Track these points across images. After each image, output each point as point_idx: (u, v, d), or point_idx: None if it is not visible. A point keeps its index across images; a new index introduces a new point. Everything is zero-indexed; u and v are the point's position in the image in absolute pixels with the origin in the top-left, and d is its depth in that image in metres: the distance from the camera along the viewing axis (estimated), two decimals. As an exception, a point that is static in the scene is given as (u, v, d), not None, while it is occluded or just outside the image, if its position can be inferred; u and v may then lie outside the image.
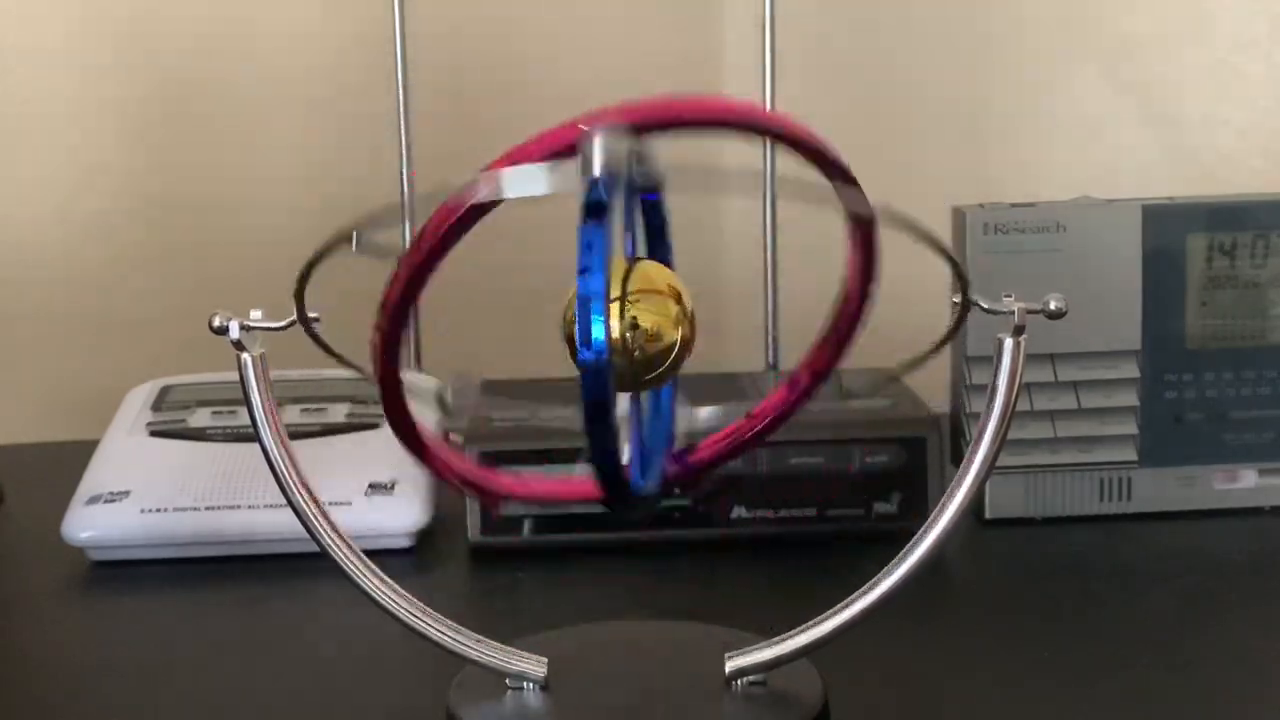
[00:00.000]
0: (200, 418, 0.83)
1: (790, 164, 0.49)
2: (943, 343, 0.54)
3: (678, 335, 0.50)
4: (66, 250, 1.08)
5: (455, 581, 0.74)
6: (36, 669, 0.65)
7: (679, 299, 0.51)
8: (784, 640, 0.54)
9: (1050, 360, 0.78)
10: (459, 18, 1.07)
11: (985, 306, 0.52)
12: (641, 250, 0.54)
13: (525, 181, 0.45)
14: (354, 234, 0.48)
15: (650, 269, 0.51)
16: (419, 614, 0.54)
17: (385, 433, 0.80)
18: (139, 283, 1.09)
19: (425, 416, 0.48)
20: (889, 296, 1.00)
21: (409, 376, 0.48)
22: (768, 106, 0.94)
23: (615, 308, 0.49)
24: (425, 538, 0.77)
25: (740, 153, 1.07)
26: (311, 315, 0.52)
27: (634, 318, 0.50)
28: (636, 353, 0.50)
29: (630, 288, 0.50)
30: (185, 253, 1.09)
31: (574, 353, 0.51)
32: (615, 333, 0.49)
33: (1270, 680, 0.60)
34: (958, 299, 0.52)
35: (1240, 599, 0.69)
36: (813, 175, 0.50)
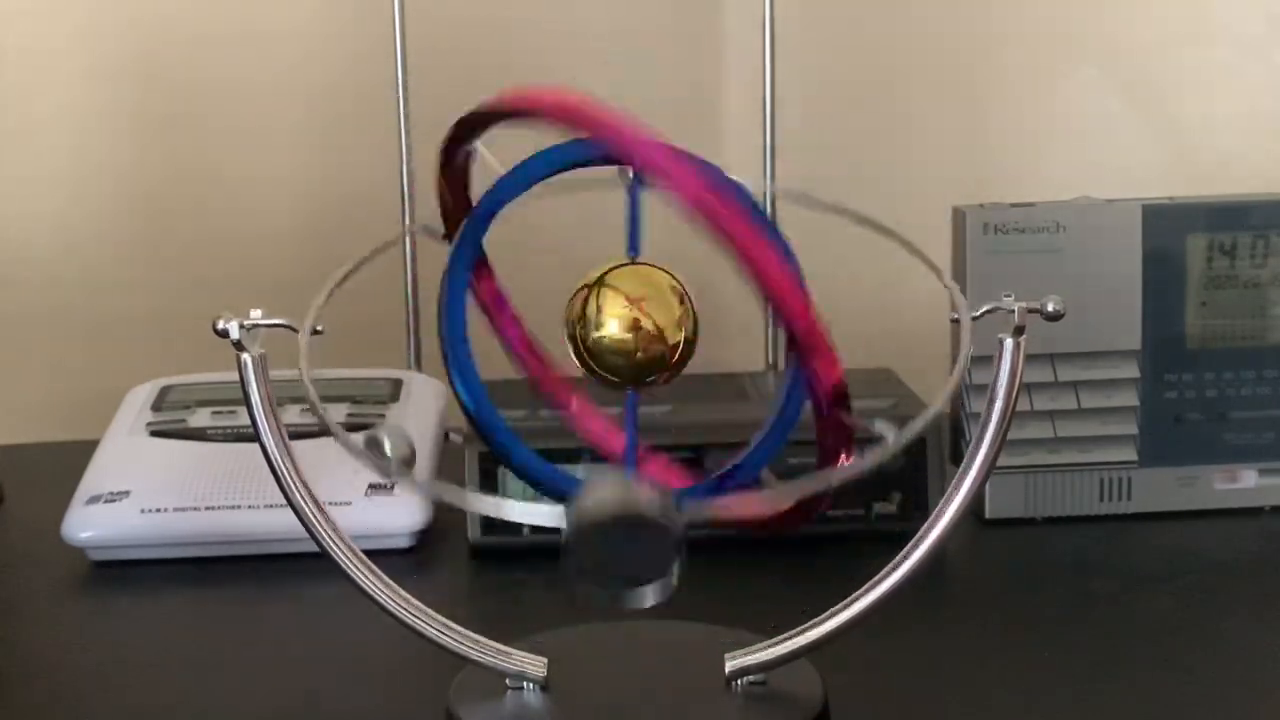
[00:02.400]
0: (200, 418, 0.83)
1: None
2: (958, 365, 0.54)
3: (681, 336, 0.50)
4: (67, 250, 1.08)
5: (455, 581, 0.74)
6: (36, 669, 0.65)
7: (682, 299, 0.51)
8: (784, 640, 0.54)
9: (1050, 360, 0.78)
10: (459, 17, 1.07)
11: (984, 310, 0.52)
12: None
13: None
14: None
15: (652, 270, 0.51)
16: (419, 614, 0.54)
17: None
18: (139, 283, 1.09)
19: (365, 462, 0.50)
20: (888, 296, 1.00)
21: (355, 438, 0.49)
22: (767, 106, 0.94)
23: (621, 308, 0.50)
24: (425, 538, 0.77)
25: (741, 151, 1.07)
26: (317, 329, 0.52)
27: (637, 319, 0.50)
28: (640, 353, 0.50)
29: (633, 289, 0.50)
30: (185, 253, 1.09)
31: (578, 353, 0.51)
32: (620, 333, 0.50)
33: (1270, 680, 0.60)
34: (955, 316, 0.52)
35: (1240, 599, 0.68)
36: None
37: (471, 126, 0.51)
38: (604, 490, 0.45)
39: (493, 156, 0.53)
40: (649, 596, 0.47)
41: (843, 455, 0.52)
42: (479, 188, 0.53)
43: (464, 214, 0.54)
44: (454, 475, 0.76)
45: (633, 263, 0.51)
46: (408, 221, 0.95)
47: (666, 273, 0.51)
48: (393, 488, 0.77)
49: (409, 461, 0.48)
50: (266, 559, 0.74)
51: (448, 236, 0.56)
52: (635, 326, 0.50)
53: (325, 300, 0.52)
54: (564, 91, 0.47)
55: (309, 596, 0.71)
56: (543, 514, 0.46)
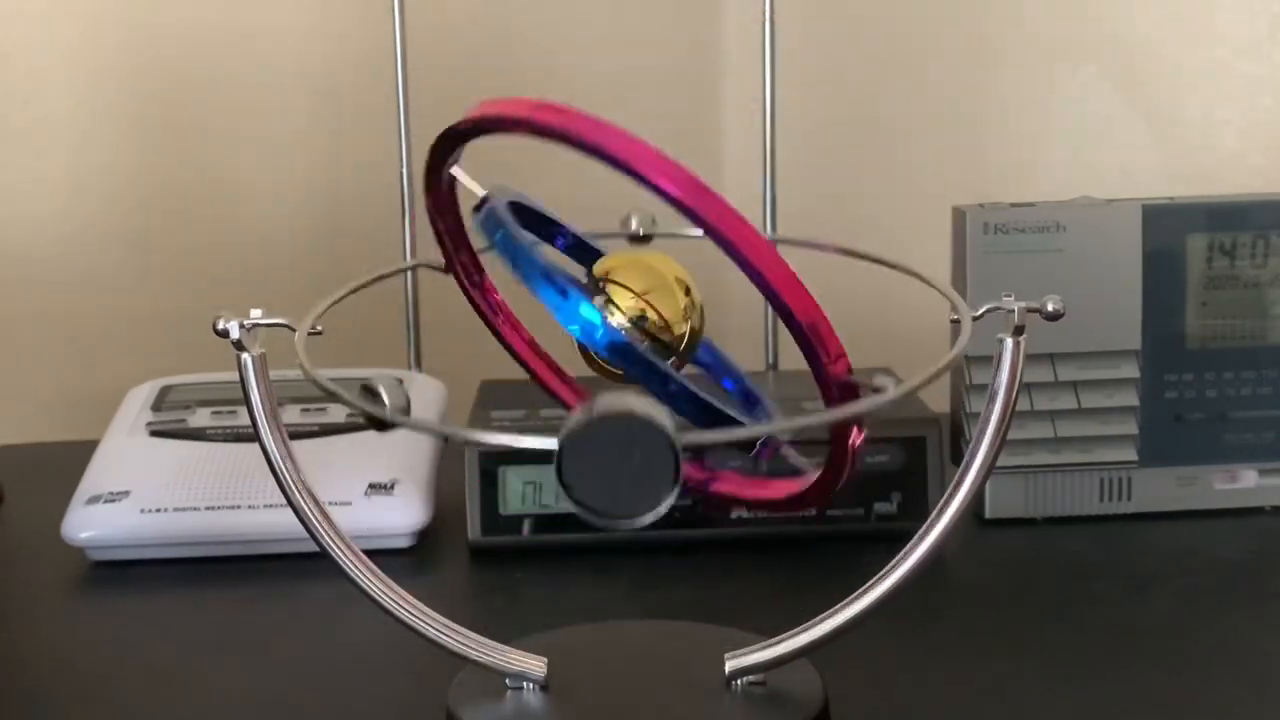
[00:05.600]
0: (200, 418, 0.83)
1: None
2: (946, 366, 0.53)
3: (687, 327, 0.50)
4: (66, 251, 1.08)
5: (455, 581, 0.74)
6: (36, 669, 0.65)
7: (687, 291, 0.51)
8: (784, 640, 0.54)
9: (1050, 360, 0.78)
10: (458, 17, 1.07)
11: (984, 309, 0.52)
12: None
13: None
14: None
15: (658, 261, 0.51)
16: (419, 614, 0.54)
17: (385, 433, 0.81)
18: (139, 282, 1.09)
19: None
20: (887, 296, 1.00)
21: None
22: (767, 106, 0.94)
23: (624, 302, 0.50)
24: (425, 538, 0.77)
25: (740, 182, 1.07)
26: (316, 329, 0.52)
27: (643, 311, 0.50)
28: (645, 345, 0.50)
29: (638, 281, 0.50)
30: (185, 253, 1.09)
31: (585, 355, 0.51)
32: (623, 326, 0.50)
33: (1270, 680, 0.60)
34: (955, 317, 0.52)
35: (1240, 599, 0.69)
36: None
37: (452, 143, 0.51)
38: (600, 398, 0.42)
39: (471, 180, 0.53)
40: (654, 515, 0.44)
41: (854, 431, 0.51)
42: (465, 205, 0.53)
43: (458, 233, 0.54)
44: (454, 475, 0.76)
45: (639, 254, 0.51)
46: (408, 223, 0.95)
47: (672, 264, 0.51)
48: (393, 488, 0.77)
49: (404, 409, 0.47)
50: (266, 559, 0.74)
51: (449, 269, 0.56)
52: (640, 318, 0.50)
53: (321, 314, 0.52)
54: (541, 102, 0.46)
55: (309, 596, 0.71)
56: (546, 441, 0.43)
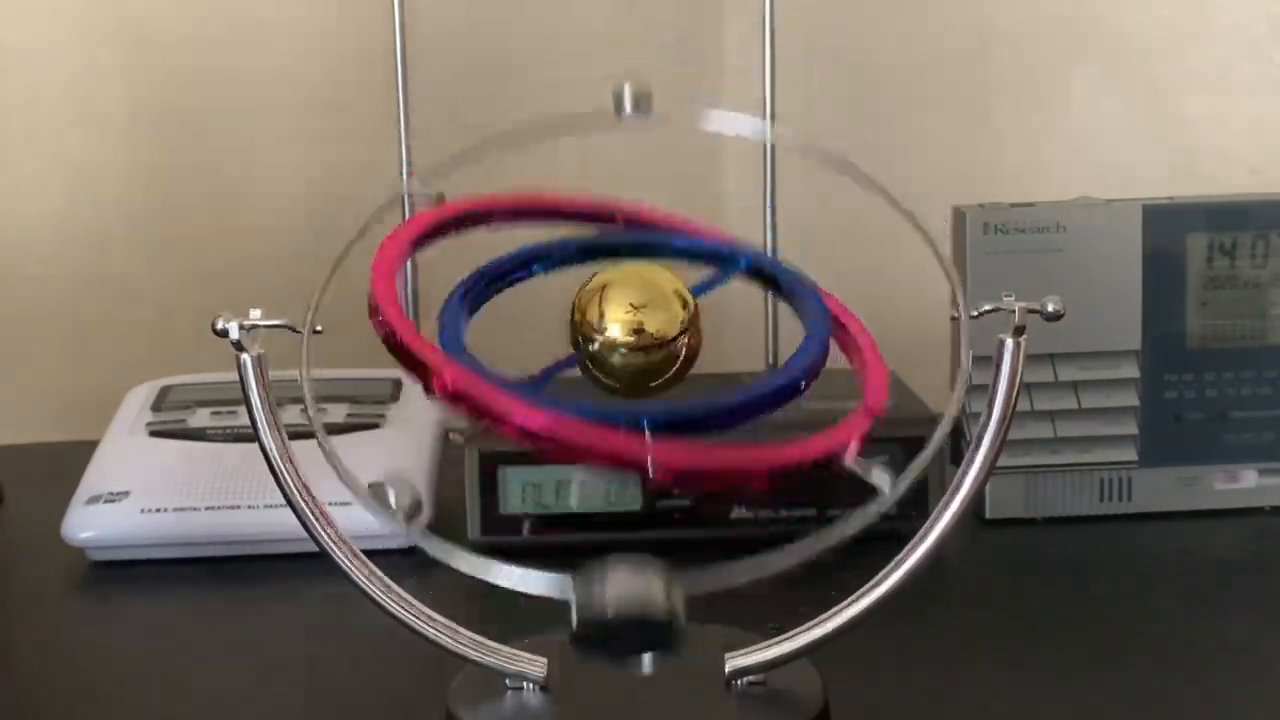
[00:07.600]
0: (200, 418, 0.83)
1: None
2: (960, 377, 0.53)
3: (684, 340, 0.50)
4: (66, 250, 1.08)
5: (455, 581, 0.74)
6: (36, 669, 0.65)
7: (685, 303, 0.51)
8: (784, 640, 0.54)
9: (1050, 360, 0.78)
10: (459, 17, 1.07)
11: (986, 309, 0.52)
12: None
13: None
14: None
15: (655, 273, 0.51)
16: (419, 614, 0.54)
17: (385, 432, 0.81)
18: (139, 283, 1.09)
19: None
20: (888, 296, 1.00)
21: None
22: (767, 107, 0.94)
23: (624, 313, 0.50)
24: (425, 538, 0.77)
25: (740, 184, 1.07)
26: (316, 329, 0.52)
27: (640, 323, 0.50)
28: (642, 359, 0.50)
29: (636, 293, 0.50)
30: (185, 253, 1.09)
31: (580, 359, 0.51)
32: (622, 338, 0.50)
33: (1270, 680, 0.60)
34: (956, 313, 0.52)
35: (1240, 599, 0.69)
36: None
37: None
38: (614, 587, 0.47)
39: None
40: (649, 664, 0.51)
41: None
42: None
43: None
44: (454, 475, 0.76)
45: (637, 268, 0.51)
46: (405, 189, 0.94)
47: (671, 276, 0.51)
48: (388, 484, 0.76)
49: (414, 512, 0.49)
50: (266, 559, 0.74)
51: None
52: (638, 331, 0.50)
53: (331, 274, 0.52)
54: None
55: (309, 596, 0.71)
56: (541, 583, 0.48)
